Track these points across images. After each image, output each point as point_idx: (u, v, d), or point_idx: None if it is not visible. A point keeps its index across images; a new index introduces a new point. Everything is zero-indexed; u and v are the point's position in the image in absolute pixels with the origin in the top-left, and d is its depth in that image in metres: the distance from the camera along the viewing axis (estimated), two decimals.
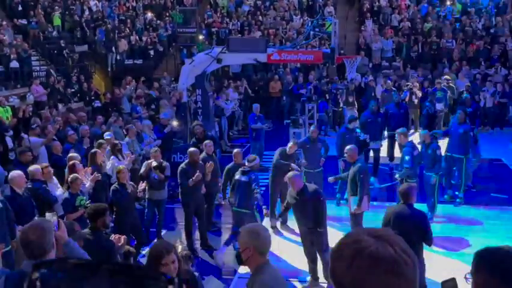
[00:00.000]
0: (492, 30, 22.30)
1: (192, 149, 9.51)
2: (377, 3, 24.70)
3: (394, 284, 1.41)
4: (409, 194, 6.77)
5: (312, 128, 11.25)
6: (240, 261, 3.89)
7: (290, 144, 10.07)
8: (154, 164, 9.54)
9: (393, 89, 16.56)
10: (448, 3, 24.11)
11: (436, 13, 23.57)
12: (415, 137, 12.91)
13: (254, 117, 13.71)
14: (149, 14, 25.11)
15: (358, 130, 11.90)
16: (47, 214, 4.09)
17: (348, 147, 9.21)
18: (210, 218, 10.15)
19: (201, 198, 9.30)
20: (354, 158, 8.95)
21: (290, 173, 7.86)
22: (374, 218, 10.18)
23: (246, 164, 8.89)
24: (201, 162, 9.30)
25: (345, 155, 9.15)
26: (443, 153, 10.63)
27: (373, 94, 18.34)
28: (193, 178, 8.86)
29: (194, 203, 9.15)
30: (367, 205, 8.91)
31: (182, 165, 9.26)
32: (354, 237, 1.48)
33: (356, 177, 8.73)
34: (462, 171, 11.29)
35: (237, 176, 8.63)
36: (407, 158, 9.73)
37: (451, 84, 16.89)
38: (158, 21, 24.66)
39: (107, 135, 11.01)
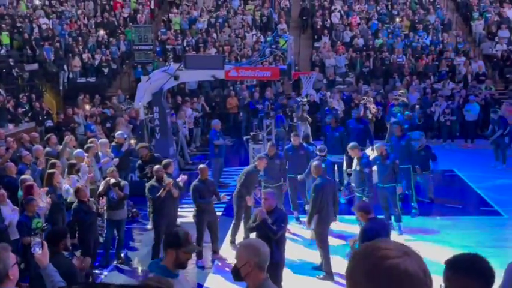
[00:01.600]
0: (439, 46, 23.14)
1: (156, 166, 9.40)
2: (329, 20, 25.24)
3: None
4: (371, 207, 6.89)
5: (269, 145, 11.31)
6: (238, 277, 3.75)
7: (259, 161, 10.02)
8: (113, 181, 9.39)
9: (336, 108, 16.84)
10: (397, 20, 24.88)
11: (386, 29, 24.28)
12: (369, 151, 13.17)
13: (216, 133, 13.65)
14: (102, 32, 24.79)
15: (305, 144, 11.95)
16: (33, 237, 3.91)
17: (314, 163, 9.35)
18: None
19: (174, 217, 9.17)
20: (317, 174, 9.02)
21: (267, 189, 7.97)
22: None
23: (319, 153, 10.44)
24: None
25: (312, 171, 9.26)
26: None
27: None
28: (163, 189, 8.80)
29: (165, 221, 8.99)
30: (316, 223, 8.74)
31: (151, 182, 9.16)
32: (382, 246, 1.56)
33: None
34: (411, 181, 11.59)
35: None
36: (366, 170, 9.94)
37: (404, 99, 17.37)
38: (111, 39, 24.38)
39: (78, 153, 10.73)
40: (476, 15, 24.64)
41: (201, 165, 9.69)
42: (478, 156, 16.22)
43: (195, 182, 9.31)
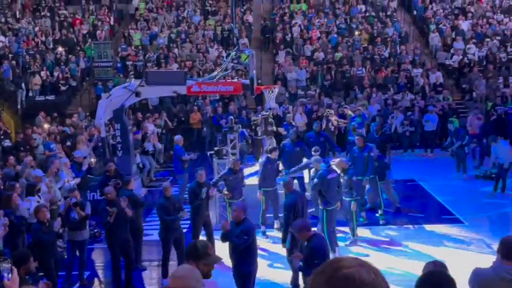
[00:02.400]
0: (397, 58, 23.66)
1: (107, 188, 9.24)
2: (289, 34, 25.51)
3: None
4: (309, 224, 6.88)
5: (234, 159, 11.28)
6: None
7: (199, 175, 10.00)
8: (73, 201, 9.20)
9: (293, 122, 16.98)
10: (356, 33, 25.32)
11: (345, 43, 24.68)
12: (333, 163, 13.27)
13: (181, 148, 13.53)
14: (60, 49, 24.38)
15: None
16: (1, 264, 3.73)
17: (284, 180, 9.35)
18: (139, 255, 9.81)
19: (127, 236, 9.00)
20: (288, 190, 9.04)
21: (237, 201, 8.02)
22: None
23: (313, 153, 11.21)
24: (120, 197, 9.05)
25: (283, 187, 9.28)
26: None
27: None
28: (110, 215, 8.64)
29: (119, 242, 8.83)
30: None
31: (102, 205, 9.03)
32: (336, 259, 1.73)
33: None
34: (377, 190, 11.75)
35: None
36: (315, 180, 9.95)
37: (348, 111, 17.60)
38: (70, 56, 23.99)
39: (37, 172, 10.46)
40: (432, 27, 25.33)
41: (164, 184, 9.60)
42: (437, 166, 16.55)
43: (161, 202, 9.21)
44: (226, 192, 10.70)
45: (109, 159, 12.05)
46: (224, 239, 7.48)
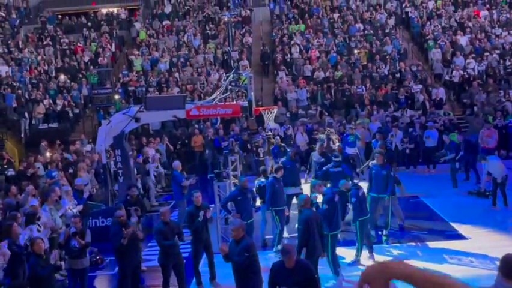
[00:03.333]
0: (397, 75, 23.73)
1: (117, 212, 9.30)
2: (289, 55, 25.67)
3: None
4: (294, 251, 6.87)
5: (242, 179, 11.27)
6: None
7: (196, 198, 9.97)
8: (73, 230, 9.22)
9: (283, 144, 17.02)
10: (355, 51, 25.46)
11: (345, 61, 24.80)
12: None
13: (180, 174, 13.51)
14: (62, 77, 24.65)
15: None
16: None
17: (301, 196, 9.36)
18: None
19: (139, 260, 9.03)
20: (304, 206, 9.07)
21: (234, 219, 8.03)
22: None
23: (334, 159, 12.34)
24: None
25: (299, 204, 9.27)
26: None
27: (292, 142, 18.84)
28: (124, 236, 8.68)
29: (131, 266, 8.82)
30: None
31: (113, 229, 9.07)
32: None
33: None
34: (388, 209, 11.69)
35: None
36: (324, 206, 9.78)
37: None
38: (72, 83, 24.24)
39: (33, 202, 10.52)
40: (432, 43, 25.42)
41: (162, 209, 9.60)
42: (440, 181, 16.45)
43: (158, 226, 9.21)
44: (234, 213, 10.66)
45: (133, 184, 12.10)
46: (226, 259, 7.52)
